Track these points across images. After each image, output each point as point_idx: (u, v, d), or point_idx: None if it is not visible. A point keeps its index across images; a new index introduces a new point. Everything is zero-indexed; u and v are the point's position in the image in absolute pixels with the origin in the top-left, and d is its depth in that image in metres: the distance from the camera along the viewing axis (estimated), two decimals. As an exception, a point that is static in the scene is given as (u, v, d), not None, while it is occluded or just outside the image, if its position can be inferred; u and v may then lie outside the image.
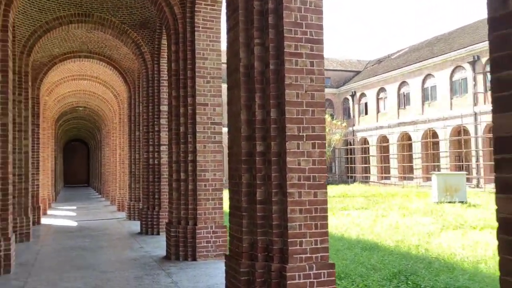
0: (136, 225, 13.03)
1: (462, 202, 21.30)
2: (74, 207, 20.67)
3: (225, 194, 8.15)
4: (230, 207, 5.02)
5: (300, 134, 4.47)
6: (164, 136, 11.13)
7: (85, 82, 18.05)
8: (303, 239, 4.42)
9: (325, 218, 4.52)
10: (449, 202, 21.04)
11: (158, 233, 11.01)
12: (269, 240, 4.53)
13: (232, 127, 4.96)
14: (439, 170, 37.28)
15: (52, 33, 11.02)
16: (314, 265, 4.39)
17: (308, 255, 4.42)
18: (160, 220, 11.05)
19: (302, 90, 4.49)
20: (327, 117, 35.33)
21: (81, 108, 25.45)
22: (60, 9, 10.81)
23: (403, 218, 16.02)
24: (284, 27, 4.45)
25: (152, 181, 11.28)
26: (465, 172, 25.85)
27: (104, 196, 26.68)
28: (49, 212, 17.97)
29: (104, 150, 27.28)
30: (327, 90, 49.78)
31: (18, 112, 10.27)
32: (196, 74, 7.81)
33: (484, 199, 22.32)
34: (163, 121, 11.13)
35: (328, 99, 51.27)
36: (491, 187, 29.54)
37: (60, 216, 16.46)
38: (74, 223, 14.17)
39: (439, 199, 21.46)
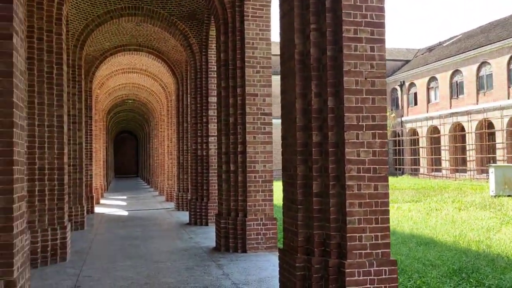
0: (184, 216, 13.17)
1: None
2: (125, 197, 21.24)
3: (275, 185, 8.02)
4: (284, 199, 4.85)
5: (360, 123, 4.23)
6: (213, 127, 11.12)
7: (134, 75, 18.40)
8: (363, 234, 4.19)
9: (386, 212, 4.26)
10: (508, 195, 19.97)
11: (206, 224, 11.05)
12: (326, 234, 4.33)
13: (286, 117, 4.78)
14: (494, 162, 35.54)
15: (103, 27, 11.22)
16: (374, 262, 4.15)
17: (368, 251, 4.19)
18: (209, 211, 11.07)
19: (361, 77, 4.24)
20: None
21: (130, 101, 26.06)
22: (111, 3, 10.97)
23: (459, 212, 15.32)
24: (343, 11, 4.21)
25: (200, 172, 11.31)
26: (525, 165, 24.41)
27: (152, 187, 27.30)
28: (101, 201, 18.55)
29: (152, 141, 27.86)
30: None
31: (72, 104, 10.54)
32: (246, 64, 7.67)
33: (546, 193, 21.01)
34: (211, 112, 11.11)
35: None
36: (553, 180, 27.82)
37: (111, 206, 16.93)
38: (125, 213, 14.52)
39: (497, 193, 20.40)
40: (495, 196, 20.02)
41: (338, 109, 4.29)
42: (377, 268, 4.15)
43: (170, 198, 17.97)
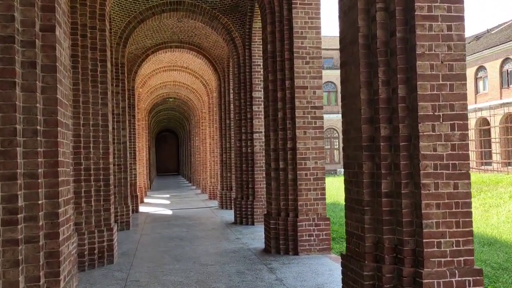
0: (229, 214, 12.89)
1: None
2: (168, 195, 21.27)
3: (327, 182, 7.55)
4: (347, 200, 4.39)
5: (436, 113, 3.71)
6: (257, 123, 10.75)
7: (175, 73, 18.30)
8: (442, 240, 3.68)
9: (469, 214, 3.73)
10: None
11: (252, 223, 10.71)
12: (398, 239, 3.85)
13: (349, 109, 4.32)
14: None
15: (145, 24, 11.05)
16: (456, 271, 3.64)
17: (449, 258, 3.67)
18: (255, 210, 10.73)
19: (437, 61, 3.72)
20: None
21: (171, 99, 26.12)
22: (152, -1, 10.78)
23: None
24: (414, -14, 3.70)
25: (245, 170, 10.97)
26: None
27: (194, 184, 27.31)
28: (145, 200, 18.60)
29: (193, 139, 27.86)
30: (331, 72, 45.93)
31: (116, 103, 10.43)
32: (294, 54, 7.24)
33: None
34: (256, 107, 10.74)
35: (332, 82, 47.79)
36: None
37: (155, 204, 16.91)
38: (169, 211, 14.41)
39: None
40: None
41: (410, 98, 3.79)
42: (460, 279, 3.64)
43: (213, 196, 17.78)
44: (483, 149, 40.93)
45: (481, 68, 41.49)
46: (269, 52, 7.63)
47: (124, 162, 10.51)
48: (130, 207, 10.74)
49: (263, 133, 7.95)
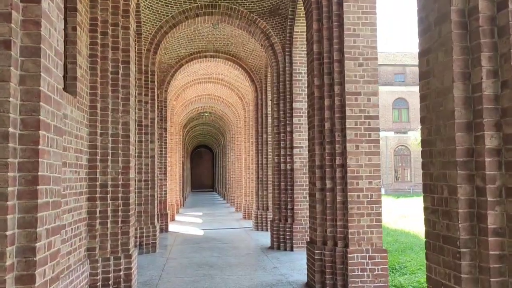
0: (264, 237, 11.80)
1: None
2: (200, 213, 20.37)
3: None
4: (429, 235, 3.24)
5: None
6: (298, 137, 9.68)
7: (210, 85, 17.55)
8: None
9: None
10: None
11: (291, 249, 9.56)
12: (512, 297, 2.66)
13: (433, 112, 3.20)
14: None
15: (178, 29, 10.27)
16: None
17: None
18: (294, 234, 9.59)
19: None
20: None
21: (206, 114, 25.47)
22: (186, 2, 10.00)
23: None
24: None
25: (284, 188, 9.88)
26: None
27: (228, 202, 26.36)
28: (177, 218, 17.74)
29: (228, 155, 27.03)
30: (403, 88, 44.25)
31: (145, 114, 9.63)
32: (345, 55, 6.16)
33: None
34: (296, 120, 9.69)
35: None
36: None
37: (187, 223, 16.00)
38: (200, 232, 13.44)
39: None
40: None
41: (531, 94, 2.64)
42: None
43: (247, 215, 16.73)
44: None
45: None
46: (315, 53, 6.58)
47: (152, 178, 9.65)
48: (157, 227, 9.83)
49: (307, 147, 6.89)
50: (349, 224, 6.04)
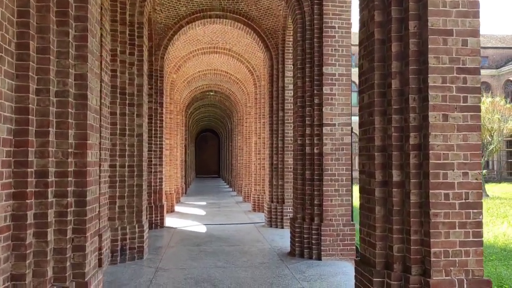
0: (280, 237, 9.63)
1: None
2: (204, 203, 18.22)
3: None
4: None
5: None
6: (329, 112, 7.43)
7: (216, 57, 15.24)
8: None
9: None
10: None
11: (319, 258, 7.37)
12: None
13: None
14: None
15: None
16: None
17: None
18: (323, 238, 7.38)
19: None
20: (499, 100, 28.45)
21: (211, 93, 23.20)
22: None
23: None
24: None
25: (309, 179, 7.63)
26: None
27: (235, 190, 24.22)
28: (177, 208, 15.59)
29: (235, 138, 24.81)
30: (483, 72, 41.95)
31: (130, 78, 7.39)
32: (428, -28, 3.85)
33: None
34: (328, 89, 7.42)
35: (485, 82, 43.20)
36: None
37: (188, 215, 13.84)
38: (203, 227, 11.27)
39: None
40: None
41: None
42: None
43: (257, 207, 14.54)
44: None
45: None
46: (375, -25, 4.27)
47: (139, 162, 7.43)
48: (146, 226, 7.66)
49: (358, 120, 4.61)
50: (431, 240, 3.80)
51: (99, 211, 5.10)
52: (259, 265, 7.10)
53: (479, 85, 3.91)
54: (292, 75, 9.24)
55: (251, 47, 13.77)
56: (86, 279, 3.85)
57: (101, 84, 6.32)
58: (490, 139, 25.73)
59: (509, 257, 8.51)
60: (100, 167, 6.08)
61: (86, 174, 3.89)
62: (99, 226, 5.83)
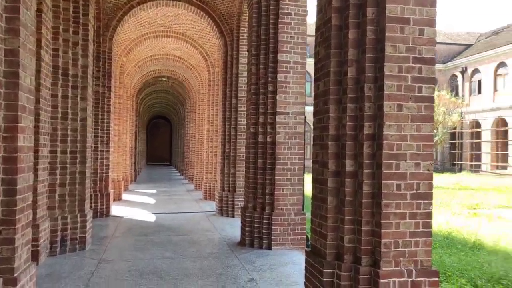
0: (231, 226, 9.49)
1: None
2: (154, 191, 17.78)
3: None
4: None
5: None
6: (283, 100, 7.30)
7: (169, 41, 14.75)
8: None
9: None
10: None
11: (269, 247, 7.27)
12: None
13: None
14: None
15: None
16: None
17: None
18: (273, 227, 7.28)
19: None
20: (444, 94, 29.59)
21: (164, 79, 22.57)
22: None
23: None
24: None
25: (261, 167, 7.51)
26: None
27: (187, 178, 23.85)
28: (124, 196, 15.07)
29: (188, 126, 24.37)
30: None
31: (74, 58, 6.91)
32: (387, -43, 3.75)
33: None
34: (282, 77, 7.28)
35: None
36: None
37: (136, 204, 13.41)
38: (151, 217, 10.93)
39: None
40: None
41: None
42: None
43: (209, 196, 14.32)
44: (499, 152, 37.89)
45: (502, 64, 38.23)
46: (334, -43, 4.12)
47: (83, 148, 7.01)
48: (90, 216, 7.27)
49: (313, 108, 4.50)
50: (382, 230, 3.75)
51: (35, 200, 4.73)
52: (208, 256, 6.92)
53: (434, 76, 3.88)
54: (246, 61, 9.04)
55: (206, 32, 13.42)
56: (15, 275, 3.51)
57: (40, 64, 5.87)
58: (435, 131, 26.82)
59: (451, 245, 8.78)
60: (38, 152, 5.67)
61: (16, 160, 3.53)
62: (35, 216, 5.43)
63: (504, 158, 36.94)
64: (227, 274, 5.83)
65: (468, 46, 48.00)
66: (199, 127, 18.68)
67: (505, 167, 36.53)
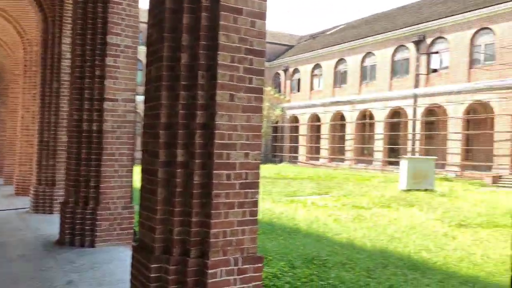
0: (49, 224, 8.54)
1: (429, 190, 19.21)
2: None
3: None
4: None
5: None
6: (112, 86, 6.81)
7: (-28, 10, 12.54)
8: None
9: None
10: (418, 189, 18.88)
11: (92, 245, 6.71)
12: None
13: None
14: (372, 153, 36.03)
15: None
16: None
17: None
18: (97, 223, 6.75)
19: None
20: (269, 90, 31.77)
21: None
22: None
23: (396, 211, 13.15)
24: None
25: (85, 158, 6.88)
26: (435, 157, 24.01)
27: (-4, 171, 20.80)
28: None
29: (-3, 111, 21.25)
30: None
31: None
32: None
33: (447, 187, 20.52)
34: (111, 61, 6.76)
35: None
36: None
37: None
38: None
39: (408, 186, 19.21)
40: (406, 190, 18.76)
41: None
42: None
43: (22, 191, 12.68)
44: (313, 144, 42.44)
45: (317, 66, 42.78)
46: None
47: None
48: None
49: (144, 95, 4.23)
50: (211, 221, 3.72)
51: None
52: (18, 259, 6.06)
53: (264, 68, 3.99)
54: (71, 41, 8.20)
55: (22, 5, 11.78)
56: None
57: None
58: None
59: (273, 231, 9.41)
60: None
61: None
62: None
63: (317, 150, 41.51)
64: (41, 278, 5.18)
65: (290, 47, 52.48)
66: (12, 113, 16.40)
67: (317, 158, 41.09)
